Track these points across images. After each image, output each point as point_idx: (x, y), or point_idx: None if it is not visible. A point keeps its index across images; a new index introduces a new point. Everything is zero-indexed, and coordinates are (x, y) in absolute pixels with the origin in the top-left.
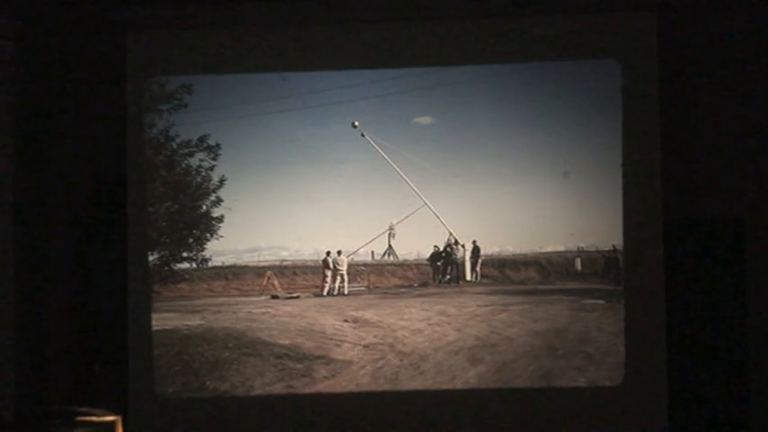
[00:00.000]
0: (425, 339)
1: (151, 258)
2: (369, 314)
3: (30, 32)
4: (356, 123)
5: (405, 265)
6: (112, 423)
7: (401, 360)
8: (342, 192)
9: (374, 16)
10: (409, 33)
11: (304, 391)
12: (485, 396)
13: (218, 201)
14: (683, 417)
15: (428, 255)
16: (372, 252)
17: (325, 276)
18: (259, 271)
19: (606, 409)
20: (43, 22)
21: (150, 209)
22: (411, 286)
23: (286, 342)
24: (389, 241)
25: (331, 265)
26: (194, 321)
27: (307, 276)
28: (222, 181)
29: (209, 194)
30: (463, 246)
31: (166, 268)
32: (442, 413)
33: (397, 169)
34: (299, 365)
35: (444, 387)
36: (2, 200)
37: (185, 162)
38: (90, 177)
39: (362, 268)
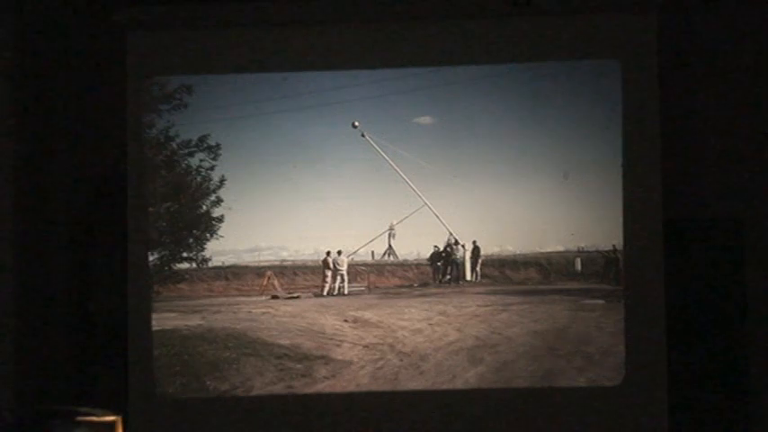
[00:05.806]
0: (425, 339)
1: (151, 258)
2: (369, 314)
3: (30, 32)
4: (356, 123)
5: (405, 265)
6: (112, 423)
7: (401, 360)
8: (342, 192)
9: (374, 16)
10: (409, 33)
11: (304, 391)
12: (485, 396)
13: (219, 201)
14: (682, 417)
15: (428, 255)
16: (372, 252)
17: (325, 276)
18: (259, 271)
19: (606, 409)
20: (43, 22)
21: (150, 209)
22: (411, 286)
23: (286, 342)
24: (389, 241)
25: (331, 265)
26: (194, 321)
27: (307, 276)
28: (222, 181)
29: (209, 194)
30: (463, 246)
31: (166, 268)
32: (442, 413)
33: (397, 169)
34: (299, 365)
35: (444, 387)
36: (2, 200)
37: (185, 162)
38: (90, 177)
39: (362, 268)
